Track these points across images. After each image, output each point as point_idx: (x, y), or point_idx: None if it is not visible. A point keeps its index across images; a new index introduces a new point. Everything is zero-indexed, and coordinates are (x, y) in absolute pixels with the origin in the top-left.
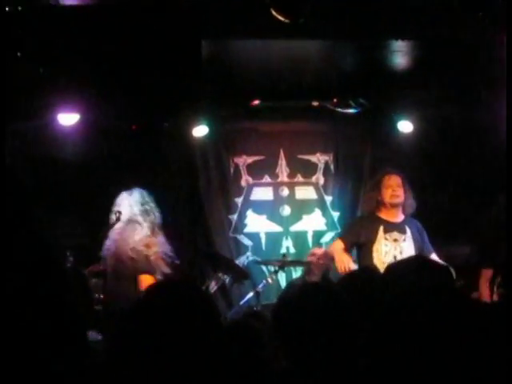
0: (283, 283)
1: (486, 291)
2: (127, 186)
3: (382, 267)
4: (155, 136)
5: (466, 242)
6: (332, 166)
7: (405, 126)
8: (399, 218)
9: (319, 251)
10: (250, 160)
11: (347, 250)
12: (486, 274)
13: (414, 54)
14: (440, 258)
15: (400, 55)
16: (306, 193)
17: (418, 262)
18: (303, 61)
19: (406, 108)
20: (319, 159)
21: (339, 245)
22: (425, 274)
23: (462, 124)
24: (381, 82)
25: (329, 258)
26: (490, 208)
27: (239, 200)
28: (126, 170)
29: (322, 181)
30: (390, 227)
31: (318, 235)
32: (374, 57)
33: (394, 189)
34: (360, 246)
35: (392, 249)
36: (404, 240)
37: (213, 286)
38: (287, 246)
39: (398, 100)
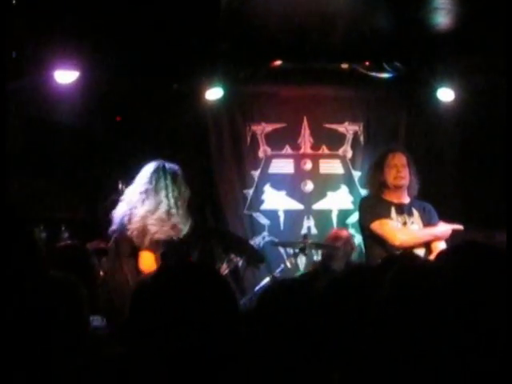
0: (303, 268)
1: None
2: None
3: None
4: (162, 98)
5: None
6: (361, 138)
7: (445, 95)
8: (405, 199)
9: (345, 233)
10: (269, 128)
11: None
12: None
13: (458, 12)
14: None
15: (442, 13)
16: (331, 167)
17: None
18: (332, 17)
19: (448, 74)
20: (347, 129)
21: (388, 223)
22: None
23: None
24: (419, 44)
25: (353, 243)
26: None
27: (256, 173)
28: (128, 135)
29: (349, 154)
30: (400, 209)
31: (343, 215)
32: (413, 14)
33: (399, 169)
34: (368, 229)
35: None
36: (412, 223)
37: (224, 269)
38: (309, 226)
39: (438, 65)
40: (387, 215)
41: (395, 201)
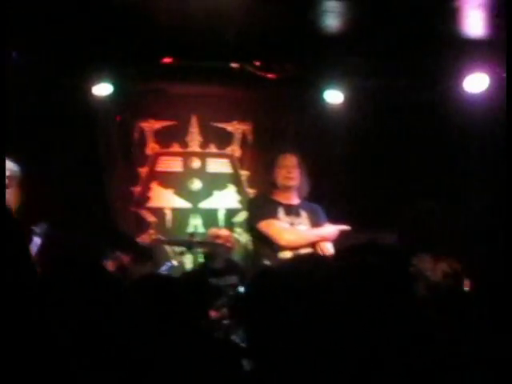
0: (189, 266)
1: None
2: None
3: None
4: (49, 91)
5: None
6: (250, 137)
7: (333, 96)
8: (294, 200)
9: (225, 233)
10: (157, 125)
11: None
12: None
13: (348, 16)
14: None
15: (332, 16)
16: (219, 166)
17: (369, 247)
18: (223, 16)
19: (337, 76)
20: (236, 128)
21: (275, 223)
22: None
23: (400, 97)
24: (309, 46)
25: (232, 241)
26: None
27: (143, 170)
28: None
29: (238, 153)
30: (287, 210)
31: (230, 214)
32: (304, 17)
33: (289, 170)
34: (255, 229)
35: None
36: (300, 224)
37: (110, 267)
38: (195, 224)
39: (327, 67)
40: (274, 215)
41: (283, 201)
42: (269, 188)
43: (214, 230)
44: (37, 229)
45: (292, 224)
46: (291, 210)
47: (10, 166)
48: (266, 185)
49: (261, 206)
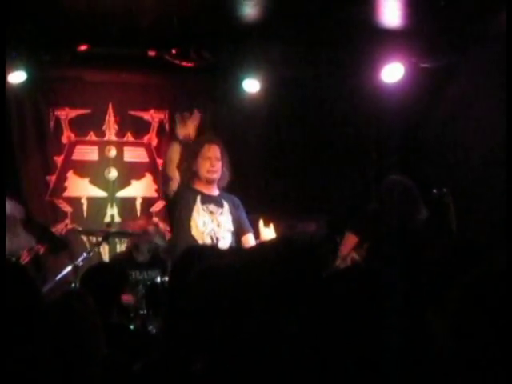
0: (106, 257)
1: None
2: None
3: (200, 238)
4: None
5: (314, 216)
6: (167, 126)
7: (251, 85)
8: (215, 191)
9: (142, 222)
10: (73, 113)
11: None
12: (351, 239)
13: (265, 5)
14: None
15: (250, 4)
16: (136, 154)
17: (284, 244)
18: (140, 3)
19: (254, 65)
20: (153, 117)
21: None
22: (292, 257)
23: (317, 87)
24: (227, 34)
25: (151, 233)
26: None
27: (59, 159)
28: None
29: (155, 142)
30: (207, 199)
31: (147, 203)
32: (221, 4)
33: (213, 163)
34: (176, 218)
35: (209, 221)
36: (221, 214)
37: (25, 257)
38: (112, 214)
39: (244, 55)
40: (192, 204)
41: (204, 191)
42: (191, 177)
43: (136, 221)
44: None
45: (211, 213)
46: (211, 200)
47: None
48: (187, 174)
49: (180, 194)
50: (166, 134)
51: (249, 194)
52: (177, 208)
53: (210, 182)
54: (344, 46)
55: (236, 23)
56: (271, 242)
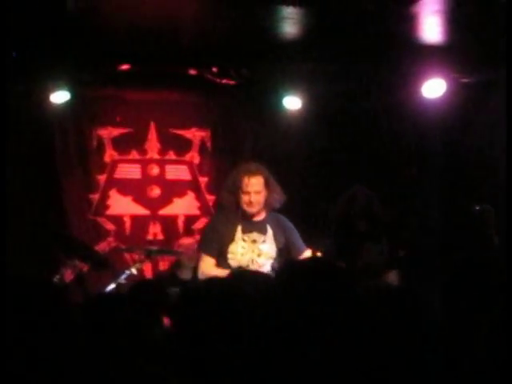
0: (149, 274)
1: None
2: None
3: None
4: (6, 99)
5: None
6: (209, 144)
7: (291, 103)
8: (260, 216)
9: (187, 241)
10: (115, 132)
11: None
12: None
13: (305, 23)
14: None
15: (290, 23)
16: (178, 172)
17: (315, 262)
18: (180, 22)
19: (294, 82)
20: (194, 135)
21: (209, 263)
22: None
23: (358, 103)
24: (267, 52)
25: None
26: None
27: (102, 178)
28: None
29: (197, 159)
30: (249, 226)
31: (190, 221)
32: (260, 23)
33: (252, 198)
34: (215, 236)
35: (249, 251)
36: (264, 242)
37: (68, 275)
38: (155, 231)
39: (284, 73)
40: (233, 231)
41: (247, 218)
42: (233, 207)
43: (181, 240)
44: None
45: (254, 242)
46: (254, 226)
47: None
48: (230, 204)
49: (221, 216)
50: (208, 152)
51: (290, 212)
52: (221, 238)
53: (250, 214)
54: (385, 62)
55: (276, 41)
56: (303, 261)
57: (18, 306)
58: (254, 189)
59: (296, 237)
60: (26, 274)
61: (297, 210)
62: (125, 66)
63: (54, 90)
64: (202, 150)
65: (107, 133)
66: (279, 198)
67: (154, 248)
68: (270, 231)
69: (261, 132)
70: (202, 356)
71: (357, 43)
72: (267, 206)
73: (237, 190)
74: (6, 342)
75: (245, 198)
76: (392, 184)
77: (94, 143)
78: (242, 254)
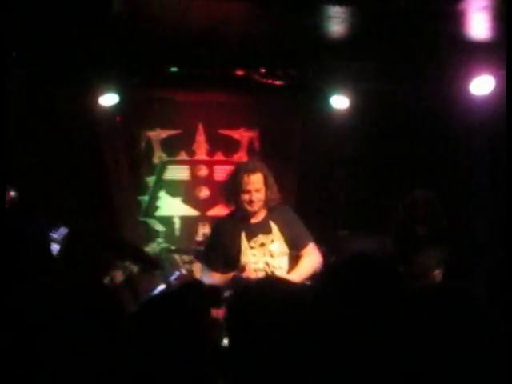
0: (199, 275)
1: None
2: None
3: (253, 276)
4: (56, 103)
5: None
6: (257, 144)
7: (339, 102)
8: (260, 215)
9: None
10: (164, 134)
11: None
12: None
13: (351, 22)
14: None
15: (336, 22)
16: (226, 173)
17: (358, 260)
18: (226, 24)
19: (341, 81)
20: (242, 136)
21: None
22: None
23: (404, 101)
24: (313, 52)
25: None
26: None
27: (151, 179)
28: (20, 143)
29: (245, 160)
30: (254, 230)
31: None
32: (307, 23)
33: (252, 195)
34: (223, 253)
35: (261, 255)
36: (272, 241)
37: (119, 277)
38: (204, 232)
39: (332, 72)
40: (238, 241)
41: (248, 221)
42: (237, 207)
43: None
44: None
45: (262, 245)
46: (259, 228)
47: None
48: (230, 203)
49: (222, 225)
50: (256, 152)
51: (338, 211)
52: (219, 243)
53: (252, 213)
54: (432, 60)
55: (322, 40)
56: (344, 260)
57: (70, 310)
58: (255, 187)
59: (300, 228)
60: (77, 277)
61: (341, 209)
62: (172, 68)
63: (102, 92)
64: (250, 150)
65: (156, 134)
66: (276, 197)
67: (203, 248)
68: (274, 228)
69: (309, 132)
70: (257, 358)
71: (404, 41)
72: (267, 203)
73: (237, 189)
74: (58, 345)
75: (245, 197)
76: (443, 183)
77: (143, 145)
78: (255, 262)
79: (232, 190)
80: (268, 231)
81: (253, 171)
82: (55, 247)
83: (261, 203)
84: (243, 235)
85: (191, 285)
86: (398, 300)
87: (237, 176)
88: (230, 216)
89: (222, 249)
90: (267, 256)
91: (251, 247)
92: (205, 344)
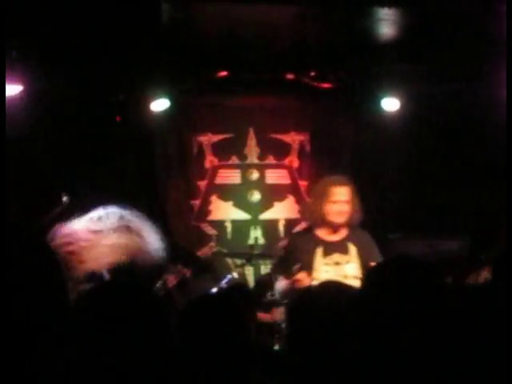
0: (251, 278)
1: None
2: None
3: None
4: (108, 110)
5: (454, 234)
6: (308, 147)
7: (390, 104)
8: (341, 234)
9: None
10: (215, 138)
11: None
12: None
13: (402, 24)
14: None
15: (386, 24)
16: (278, 177)
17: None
18: (276, 28)
19: (392, 84)
20: (293, 139)
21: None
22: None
23: (454, 103)
24: (364, 55)
25: None
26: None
27: (202, 183)
28: (73, 149)
29: (296, 163)
30: (331, 248)
31: (290, 224)
32: (357, 25)
33: (341, 206)
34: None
35: (334, 274)
36: (347, 262)
37: (172, 281)
38: (256, 236)
39: (382, 75)
40: (312, 256)
41: (327, 238)
42: (316, 220)
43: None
44: None
45: (337, 264)
46: (336, 248)
47: None
48: (313, 215)
49: (298, 241)
50: (307, 156)
51: (390, 213)
52: (293, 256)
53: (337, 226)
54: (483, 61)
55: (372, 43)
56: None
57: (117, 313)
58: (343, 198)
59: (376, 252)
60: (127, 281)
61: (393, 211)
62: (223, 73)
63: (153, 98)
64: (302, 153)
65: (207, 139)
66: (359, 215)
67: (255, 252)
68: (352, 250)
69: (360, 134)
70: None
71: (454, 42)
72: (350, 220)
73: (324, 200)
74: (106, 348)
75: (333, 208)
76: (494, 185)
77: (195, 150)
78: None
79: (318, 201)
80: (345, 251)
81: (342, 183)
82: None
83: (347, 216)
84: (319, 251)
85: (236, 287)
86: (437, 301)
87: (325, 187)
88: (309, 230)
89: (297, 261)
90: (341, 276)
91: (326, 264)
92: (250, 345)
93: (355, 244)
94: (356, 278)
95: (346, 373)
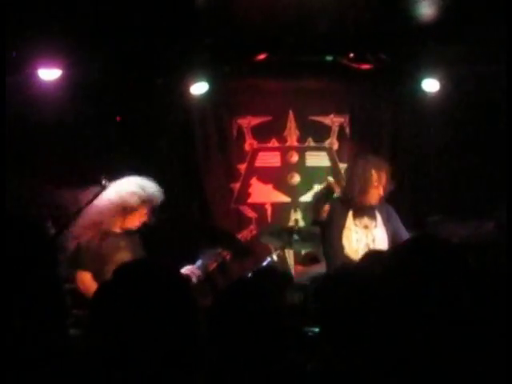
0: (291, 260)
1: None
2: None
3: (354, 256)
4: (148, 93)
5: (494, 215)
6: (347, 130)
7: (430, 85)
8: (371, 201)
9: None
10: (255, 121)
11: None
12: None
13: (442, 3)
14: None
15: (426, 4)
16: (317, 159)
17: (422, 244)
18: (315, 9)
19: (432, 65)
20: (333, 121)
21: None
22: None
23: (495, 84)
24: (404, 35)
25: None
26: None
27: (242, 166)
28: (113, 132)
29: (336, 146)
30: (360, 211)
31: None
32: (397, 5)
33: (381, 190)
34: (327, 229)
35: (363, 236)
36: (375, 227)
37: (212, 263)
38: (296, 218)
39: (423, 56)
40: (344, 220)
41: (356, 204)
42: (351, 201)
43: None
44: None
45: (366, 227)
46: (365, 211)
47: None
48: (350, 197)
49: (331, 211)
50: (347, 138)
51: (430, 194)
52: (328, 226)
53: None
54: None
55: (412, 23)
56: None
57: (142, 295)
58: (383, 182)
59: (400, 227)
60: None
61: (437, 193)
62: (262, 56)
63: (193, 81)
64: (341, 136)
65: (247, 122)
66: (389, 189)
67: (296, 229)
68: (379, 217)
69: (399, 116)
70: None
71: (494, 23)
72: (383, 199)
73: (365, 182)
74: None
75: (374, 192)
76: None
77: (234, 133)
78: (358, 240)
79: (360, 181)
80: (373, 217)
81: (381, 167)
82: None
83: (383, 198)
84: (350, 213)
85: (264, 272)
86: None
87: (367, 170)
88: (341, 197)
89: (330, 220)
90: (370, 239)
91: (355, 225)
92: (280, 328)
93: (381, 213)
94: (383, 244)
95: (375, 350)
